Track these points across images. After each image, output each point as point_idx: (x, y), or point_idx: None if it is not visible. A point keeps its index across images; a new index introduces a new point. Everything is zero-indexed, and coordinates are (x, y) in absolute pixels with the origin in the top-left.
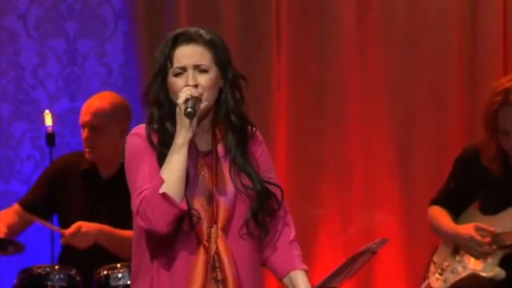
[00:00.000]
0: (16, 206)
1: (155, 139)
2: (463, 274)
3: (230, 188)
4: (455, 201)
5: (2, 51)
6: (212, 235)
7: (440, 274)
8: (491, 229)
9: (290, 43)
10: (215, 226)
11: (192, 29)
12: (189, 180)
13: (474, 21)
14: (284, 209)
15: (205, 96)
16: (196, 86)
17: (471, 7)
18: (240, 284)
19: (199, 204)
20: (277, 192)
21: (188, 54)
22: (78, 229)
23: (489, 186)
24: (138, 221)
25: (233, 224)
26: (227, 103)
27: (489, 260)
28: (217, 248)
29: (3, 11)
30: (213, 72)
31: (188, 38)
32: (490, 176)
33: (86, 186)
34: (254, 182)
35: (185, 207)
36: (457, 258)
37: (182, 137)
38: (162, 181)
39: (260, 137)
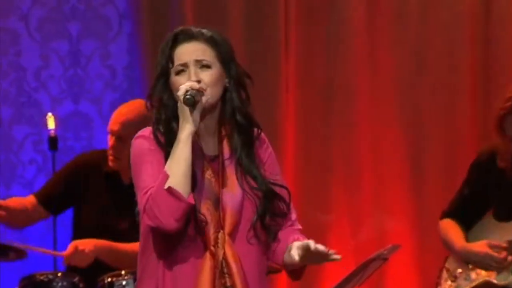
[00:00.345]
0: (31, 197)
1: (161, 140)
2: (477, 282)
3: (237, 191)
4: (469, 209)
5: (4, 52)
6: (219, 240)
7: (453, 281)
8: (504, 245)
9: (298, 44)
10: (222, 231)
11: (193, 27)
12: (196, 183)
13: (488, 18)
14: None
15: (208, 92)
16: (198, 82)
17: (484, 3)
18: None
19: (205, 208)
20: (285, 194)
21: (189, 51)
22: (75, 248)
23: (503, 190)
24: (145, 220)
25: (240, 229)
26: (233, 102)
27: None
28: (224, 253)
29: (4, 11)
30: (216, 69)
31: (189, 36)
32: (505, 180)
33: (108, 187)
34: (259, 183)
35: (192, 201)
36: (471, 265)
37: (185, 130)
38: (167, 177)
39: (266, 140)
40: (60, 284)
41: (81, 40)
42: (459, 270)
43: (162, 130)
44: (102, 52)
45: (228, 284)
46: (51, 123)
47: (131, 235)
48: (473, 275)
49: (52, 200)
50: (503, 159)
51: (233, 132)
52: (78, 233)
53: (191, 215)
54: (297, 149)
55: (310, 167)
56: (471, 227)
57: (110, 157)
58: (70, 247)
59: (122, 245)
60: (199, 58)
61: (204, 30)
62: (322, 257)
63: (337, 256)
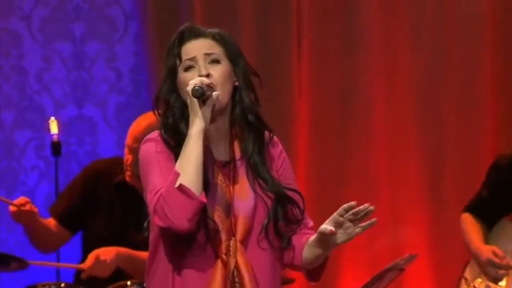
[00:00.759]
0: (51, 220)
1: (170, 142)
2: None
3: (249, 196)
4: (488, 209)
5: (5, 54)
6: (231, 249)
7: None
8: (505, 261)
9: (311, 47)
10: (233, 239)
11: (198, 25)
12: (208, 188)
13: (509, 22)
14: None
15: (218, 89)
16: (208, 76)
17: (504, 6)
18: None
19: (216, 215)
20: (298, 200)
21: (197, 46)
22: (96, 259)
23: None
24: (156, 220)
25: (252, 235)
26: (243, 102)
27: None
28: (236, 262)
29: (6, 12)
30: (225, 65)
31: (195, 33)
32: None
33: (119, 197)
34: (269, 185)
35: (204, 200)
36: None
37: (195, 126)
38: (178, 175)
39: (280, 144)
40: None
41: (85, 41)
42: (479, 280)
43: (170, 134)
44: (107, 54)
45: None
46: (54, 128)
47: (144, 247)
48: (492, 286)
49: (72, 219)
50: None
51: (244, 134)
52: (88, 245)
53: (202, 222)
54: (310, 157)
55: (324, 176)
56: (493, 225)
57: (128, 173)
58: (91, 258)
59: (142, 253)
60: (208, 51)
61: (210, 29)
62: (354, 222)
63: (371, 207)
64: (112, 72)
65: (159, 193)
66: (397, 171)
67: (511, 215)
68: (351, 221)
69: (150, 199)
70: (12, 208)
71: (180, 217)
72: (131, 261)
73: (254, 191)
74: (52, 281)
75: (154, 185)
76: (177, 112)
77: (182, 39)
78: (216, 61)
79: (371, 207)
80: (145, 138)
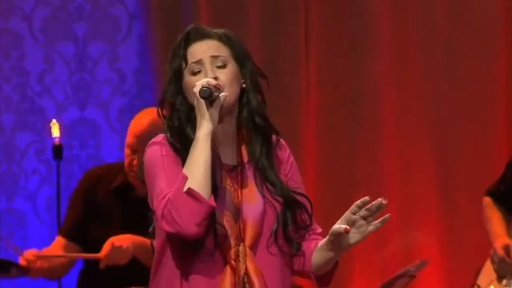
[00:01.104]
0: (58, 239)
1: (177, 145)
2: None
3: (258, 200)
4: (507, 201)
5: (5, 55)
6: (240, 254)
7: None
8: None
9: (320, 47)
10: (242, 244)
11: (204, 26)
12: (217, 192)
13: None
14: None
15: (226, 90)
16: (215, 78)
17: None
18: None
19: (225, 220)
20: (306, 205)
21: (203, 48)
22: (112, 245)
23: None
24: (164, 225)
25: (262, 240)
26: (250, 104)
27: None
28: (246, 268)
29: (6, 12)
30: (232, 67)
31: (201, 34)
32: None
33: (119, 203)
34: (277, 189)
35: (213, 204)
36: (504, 282)
37: (202, 128)
38: (186, 179)
39: (287, 148)
40: None
41: (88, 42)
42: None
43: (176, 137)
44: (110, 55)
45: None
46: (55, 131)
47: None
48: None
49: (79, 231)
50: None
51: (251, 137)
52: (88, 252)
53: (211, 227)
54: (319, 160)
55: (332, 180)
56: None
57: (132, 174)
58: (107, 246)
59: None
60: (214, 54)
61: (215, 29)
62: (367, 218)
63: (384, 201)
64: (115, 74)
65: (166, 197)
66: (408, 174)
67: None
68: (363, 218)
69: (157, 204)
70: (22, 262)
71: (189, 222)
72: (146, 250)
73: (263, 195)
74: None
75: (161, 190)
76: (183, 115)
77: (188, 40)
78: (223, 65)
79: (384, 201)
80: (150, 142)
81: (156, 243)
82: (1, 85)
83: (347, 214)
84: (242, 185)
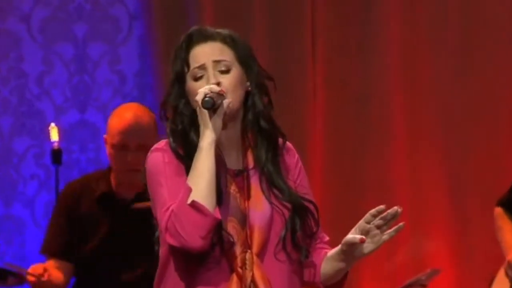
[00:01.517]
0: (50, 262)
1: (180, 152)
2: None
3: (265, 206)
4: None
5: (3, 56)
6: (247, 262)
7: None
8: None
9: (327, 47)
10: (249, 251)
11: (208, 27)
12: (221, 199)
13: None
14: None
15: (229, 96)
16: (218, 84)
17: None
18: None
19: (231, 227)
20: (314, 211)
21: (206, 52)
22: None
23: None
24: (168, 239)
25: (269, 247)
26: (255, 107)
27: None
28: (253, 276)
29: (4, 12)
30: (236, 71)
31: (204, 36)
32: None
33: (103, 212)
34: (285, 195)
35: (219, 216)
36: None
37: (206, 138)
38: (189, 190)
39: (295, 152)
40: None
41: (88, 43)
42: None
43: (179, 142)
44: (111, 56)
45: None
46: (54, 135)
47: (133, 254)
48: None
49: (70, 250)
50: None
51: (257, 141)
52: (78, 264)
53: (216, 235)
54: (326, 164)
55: (340, 185)
56: None
57: (130, 173)
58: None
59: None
60: (217, 58)
61: (220, 30)
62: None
63: (399, 209)
64: (116, 76)
65: (170, 209)
66: (417, 178)
67: None
68: (377, 227)
69: (161, 216)
70: (30, 278)
71: (194, 236)
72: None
73: (269, 201)
74: None
75: (164, 201)
76: (186, 119)
77: (191, 42)
78: (226, 69)
79: (400, 209)
80: (153, 148)
81: (160, 251)
82: None
83: (360, 223)
84: (248, 190)
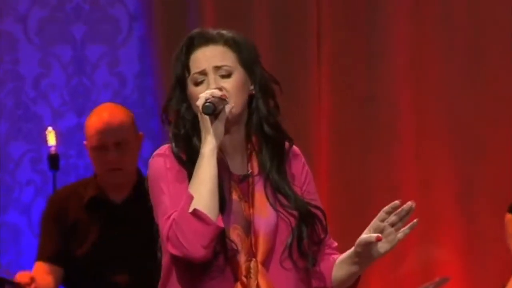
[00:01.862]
0: (39, 265)
1: (182, 157)
2: None
3: (270, 213)
4: None
5: None
6: (251, 270)
7: None
8: None
9: (332, 48)
10: (254, 259)
11: (210, 29)
12: (224, 206)
13: None
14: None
15: (231, 101)
16: (219, 89)
17: None
18: None
19: (235, 234)
20: (321, 217)
21: (207, 56)
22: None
23: None
24: (169, 249)
25: (275, 255)
26: (259, 112)
27: None
28: (257, 285)
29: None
30: (238, 75)
31: (206, 39)
32: None
33: (95, 218)
34: (291, 202)
35: (221, 225)
36: None
37: (207, 144)
38: (191, 198)
39: (302, 157)
40: None
41: (86, 44)
42: None
43: (181, 147)
44: (110, 58)
45: None
46: (51, 139)
47: (124, 257)
48: None
49: (61, 254)
50: None
51: (261, 144)
52: (69, 268)
53: (220, 243)
54: (332, 168)
55: (345, 189)
56: None
57: (113, 173)
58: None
59: None
60: (218, 64)
61: (223, 31)
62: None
63: (413, 205)
64: (115, 78)
65: (171, 218)
66: (426, 183)
67: None
68: (392, 225)
69: (162, 225)
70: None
71: (196, 245)
72: None
73: (275, 208)
74: None
75: (166, 208)
76: (188, 123)
77: (192, 45)
78: (227, 74)
79: (413, 204)
80: (155, 153)
81: (163, 260)
82: None
83: (374, 222)
84: (253, 196)
